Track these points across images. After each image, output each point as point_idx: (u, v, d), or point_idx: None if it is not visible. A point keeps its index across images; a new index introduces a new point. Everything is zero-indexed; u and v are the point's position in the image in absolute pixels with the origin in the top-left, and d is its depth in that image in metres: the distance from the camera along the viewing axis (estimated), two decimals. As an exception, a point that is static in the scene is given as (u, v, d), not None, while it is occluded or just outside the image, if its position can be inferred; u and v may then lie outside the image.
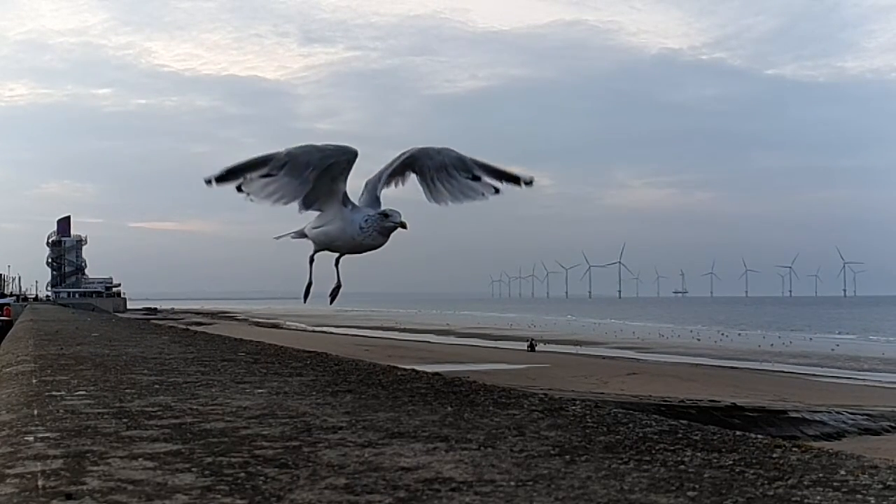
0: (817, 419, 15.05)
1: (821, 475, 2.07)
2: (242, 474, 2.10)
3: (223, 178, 4.09)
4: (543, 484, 1.99)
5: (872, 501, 1.83)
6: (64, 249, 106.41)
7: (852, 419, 15.24)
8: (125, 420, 3.00)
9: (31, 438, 2.63)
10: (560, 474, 2.09)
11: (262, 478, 2.06)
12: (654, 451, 2.36)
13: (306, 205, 4.27)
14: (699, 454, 2.33)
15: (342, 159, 4.16)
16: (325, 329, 52.38)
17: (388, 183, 4.43)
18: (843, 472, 2.09)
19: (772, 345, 39.76)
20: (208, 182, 4.11)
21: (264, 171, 4.08)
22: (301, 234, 4.52)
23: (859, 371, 28.50)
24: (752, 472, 2.11)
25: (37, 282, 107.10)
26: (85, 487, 1.98)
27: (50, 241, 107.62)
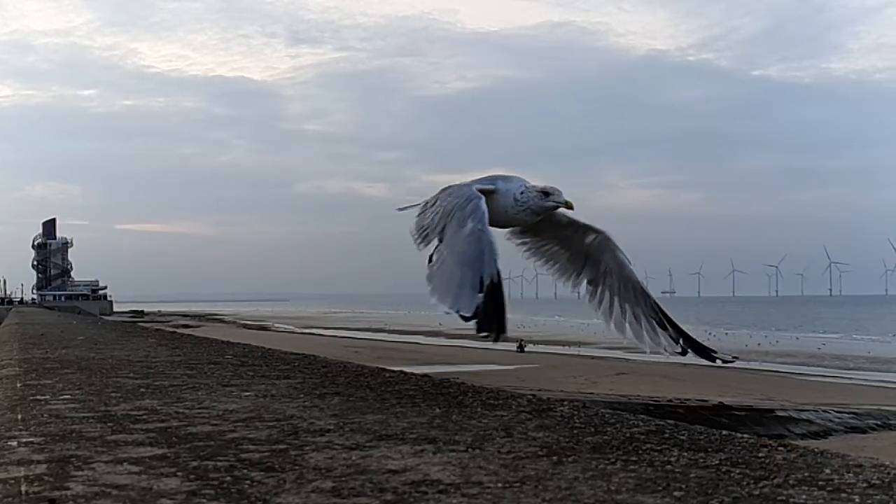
0: (804, 418, 15.14)
1: (806, 474, 2.08)
2: (228, 478, 2.09)
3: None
4: (531, 485, 1.99)
5: (857, 500, 1.84)
6: (49, 252, 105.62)
7: (839, 417, 15.33)
8: (110, 424, 2.98)
9: (14, 443, 2.61)
10: (547, 475, 2.09)
11: (247, 482, 2.05)
12: (641, 452, 2.37)
13: None
14: (686, 454, 2.33)
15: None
16: (313, 331, 52.25)
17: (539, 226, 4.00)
18: (828, 471, 2.10)
19: (759, 344, 39.94)
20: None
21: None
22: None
23: (845, 370, 28.67)
24: (738, 471, 2.12)
25: (22, 285, 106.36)
26: (69, 492, 1.97)
27: (35, 243, 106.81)
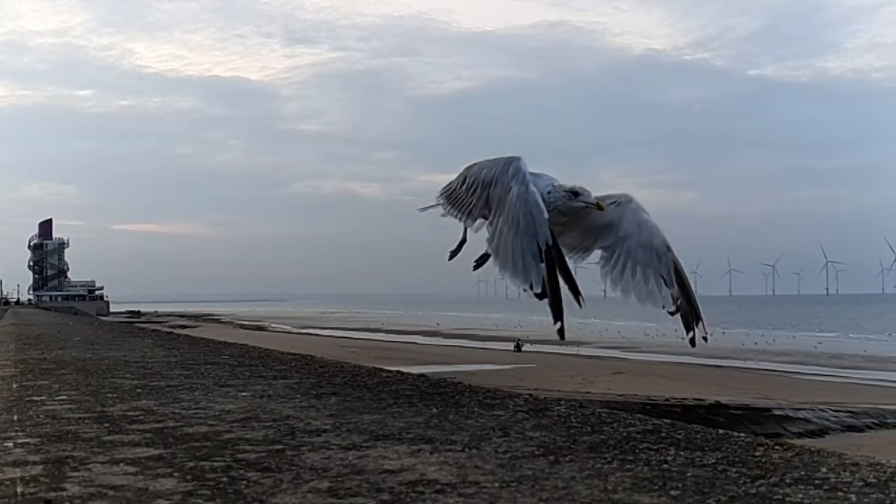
0: (801, 416, 15.16)
1: (802, 473, 2.08)
2: (225, 479, 2.09)
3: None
4: (527, 485, 1.99)
5: (853, 499, 1.84)
6: (46, 252, 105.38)
7: (835, 416, 15.35)
8: (106, 425, 2.98)
9: (10, 444, 2.61)
10: (544, 475, 2.09)
11: (244, 482, 2.05)
12: (637, 451, 2.37)
13: None
14: (682, 453, 2.34)
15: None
16: (310, 331, 52.20)
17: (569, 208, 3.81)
18: (824, 470, 2.11)
19: (755, 343, 40.00)
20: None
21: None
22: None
23: (842, 368, 28.70)
24: (734, 470, 2.12)
25: (18, 285, 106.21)
26: (65, 493, 1.97)
27: (31, 244, 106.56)
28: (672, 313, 4.00)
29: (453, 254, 4.03)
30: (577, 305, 3.49)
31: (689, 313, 4.03)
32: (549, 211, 3.66)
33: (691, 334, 4.02)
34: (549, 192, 3.70)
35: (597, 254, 4.19)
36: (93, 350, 7.53)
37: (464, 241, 3.99)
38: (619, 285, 4.10)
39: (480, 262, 3.98)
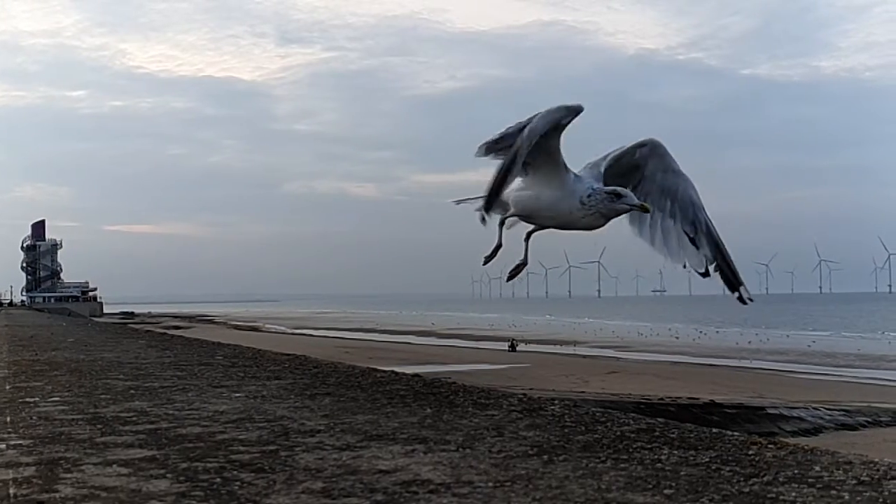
0: (795, 415, 15.20)
1: (796, 471, 2.09)
2: (218, 480, 2.08)
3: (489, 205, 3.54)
4: (521, 484, 1.99)
5: (847, 497, 1.85)
6: (39, 254, 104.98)
7: (829, 415, 15.41)
8: (99, 426, 2.97)
9: (3, 446, 2.60)
10: (538, 474, 2.09)
11: (237, 483, 2.05)
12: (631, 450, 2.37)
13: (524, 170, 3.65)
14: (676, 452, 2.34)
15: (565, 116, 3.60)
16: (304, 332, 52.13)
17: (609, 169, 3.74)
18: (817, 469, 2.11)
19: (749, 342, 40.09)
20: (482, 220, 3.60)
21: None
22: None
23: (835, 367, 28.79)
24: (728, 469, 2.12)
25: (11, 286, 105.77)
26: (57, 495, 1.96)
27: (24, 245, 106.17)
28: (703, 275, 3.88)
29: (488, 259, 3.92)
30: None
31: (730, 274, 3.91)
32: (589, 214, 3.57)
33: (737, 294, 3.91)
34: (589, 196, 3.56)
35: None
36: (86, 351, 7.51)
37: (499, 245, 3.87)
38: (644, 234, 3.94)
39: (515, 272, 3.88)
